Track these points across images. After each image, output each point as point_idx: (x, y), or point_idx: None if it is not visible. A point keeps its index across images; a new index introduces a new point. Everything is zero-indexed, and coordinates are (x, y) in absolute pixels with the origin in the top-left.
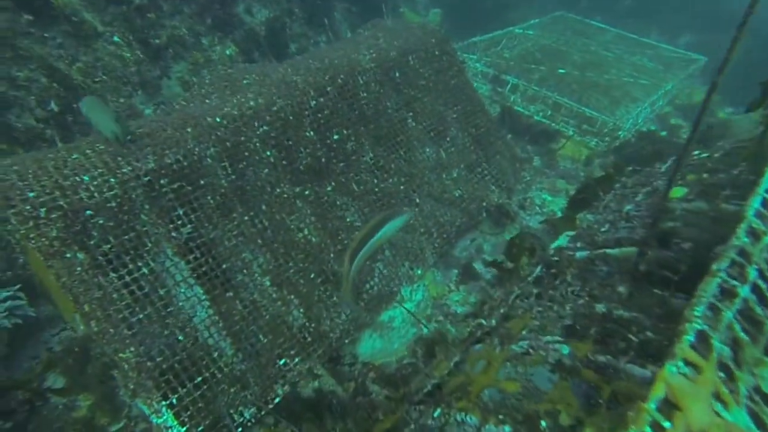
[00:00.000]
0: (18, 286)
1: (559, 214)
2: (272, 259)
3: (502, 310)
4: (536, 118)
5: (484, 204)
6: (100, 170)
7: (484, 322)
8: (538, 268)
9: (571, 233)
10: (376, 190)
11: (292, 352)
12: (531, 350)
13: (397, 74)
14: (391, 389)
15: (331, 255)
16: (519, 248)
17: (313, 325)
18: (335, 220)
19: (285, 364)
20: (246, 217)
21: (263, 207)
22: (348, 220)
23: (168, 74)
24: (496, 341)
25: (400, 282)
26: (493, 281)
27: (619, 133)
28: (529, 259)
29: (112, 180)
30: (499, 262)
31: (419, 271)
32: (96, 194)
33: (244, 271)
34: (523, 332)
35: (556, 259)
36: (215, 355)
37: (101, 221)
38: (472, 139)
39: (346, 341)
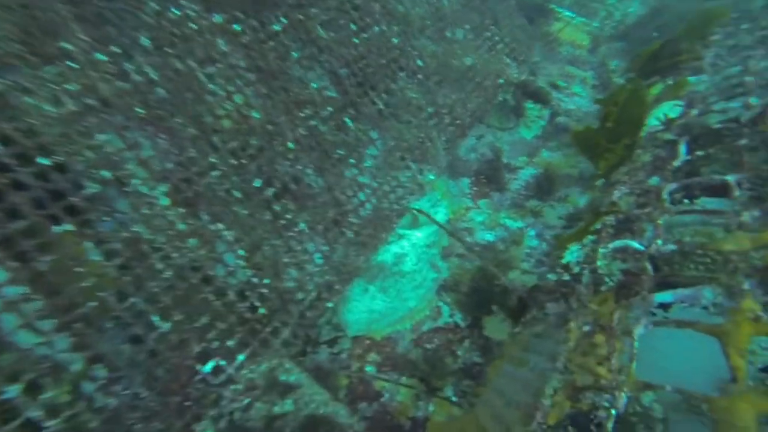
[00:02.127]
0: None
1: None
2: (172, 149)
3: (659, 221)
4: None
5: (501, 81)
6: None
7: (636, 245)
8: (683, 143)
9: (679, 103)
10: (356, 41)
11: (231, 344)
12: None
13: None
14: (419, 383)
15: (289, 144)
16: (634, 104)
17: (266, 281)
18: (291, 83)
19: (215, 370)
20: (109, 64)
21: (146, 43)
22: (314, 85)
23: None
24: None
25: (405, 194)
26: (533, 187)
27: None
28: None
29: None
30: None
31: (431, 176)
32: None
33: (113, 176)
34: None
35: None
36: (48, 378)
37: None
38: None
39: (329, 305)
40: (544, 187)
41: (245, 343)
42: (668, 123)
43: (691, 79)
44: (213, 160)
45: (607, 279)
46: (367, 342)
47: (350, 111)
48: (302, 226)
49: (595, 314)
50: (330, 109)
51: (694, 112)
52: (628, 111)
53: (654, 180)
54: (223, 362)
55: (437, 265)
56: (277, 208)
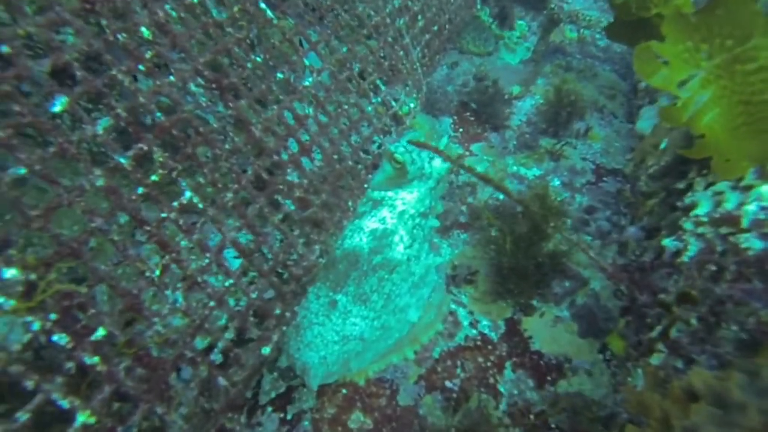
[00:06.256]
0: None
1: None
2: None
3: None
4: None
5: None
6: None
7: None
8: None
9: None
10: None
11: None
12: None
13: None
14: None
15: (142, 31)
16: None
17: (100, 331)
18: None
19: None
20: None
21: None
22: None
23: None
24: None
25: (376, 132)
26: (541, 121)
27: None
28: None
29: None
30: None
31: (411, 102)
32: None
33: None
34: None
35: None
36: None
37: None
38: None
39: (265, 350)
40: (558, 118)
41: None
42: None
43: None
44: None
45: None
46: (345, 392)
47: None
48: (189, 195)
49: None
50: None
51: None
52: None
53: None
54: None
55: (436, 243)
56: (123, 161)
